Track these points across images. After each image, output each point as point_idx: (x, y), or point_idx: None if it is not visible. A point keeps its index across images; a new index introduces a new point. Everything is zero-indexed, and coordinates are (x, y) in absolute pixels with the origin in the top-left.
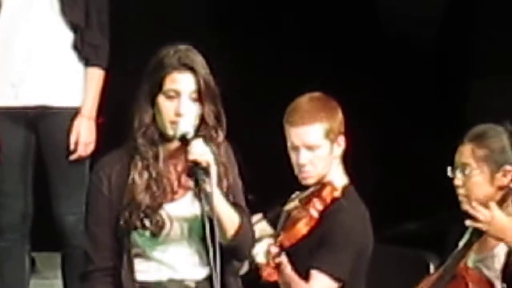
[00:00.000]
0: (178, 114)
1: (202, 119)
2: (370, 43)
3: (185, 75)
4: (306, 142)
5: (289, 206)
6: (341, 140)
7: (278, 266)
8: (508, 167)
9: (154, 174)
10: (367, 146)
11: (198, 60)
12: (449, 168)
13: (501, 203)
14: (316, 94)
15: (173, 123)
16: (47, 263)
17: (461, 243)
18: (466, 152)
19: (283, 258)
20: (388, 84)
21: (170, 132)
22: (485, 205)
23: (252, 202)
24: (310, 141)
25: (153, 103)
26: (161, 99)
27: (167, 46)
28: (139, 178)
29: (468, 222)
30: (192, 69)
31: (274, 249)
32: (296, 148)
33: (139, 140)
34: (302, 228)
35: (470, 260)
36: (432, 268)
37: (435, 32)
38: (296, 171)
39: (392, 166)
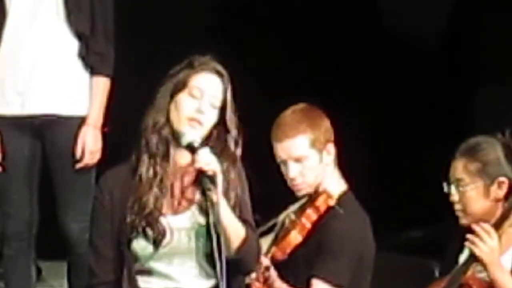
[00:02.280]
0: (199, 111)
1: (223, 130)
2: (374, 50)
3: (213, 77)
4: (292, 155)
5: (282, 216)
6: (330, 147)
7: (266, 281)
8: (502, 179)
9: (159, 173)
10: (370, 153)
11: (225, 72)
12: (444, 184)
13: (499, 224)
14: (299, 105)
15: (191, 120)
16: (52, 271)
17: (465, 252)
18: (459, 167)
19: (272, 272)
20: (392, 92)
21: (183, 128)
22: (482, 219)
23: (259, 223)
24: (296, 154)
25: (170, 102)
26: (183, 96)
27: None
28: (145, 174)
29: (467, 243)
30: (221, 75)
31: (266, 261)
32: (284, 162)
33: (152, 137)
34: (294, 239)
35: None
36: (437, 275)
37: (440, 40)
38: (288, 184)
39: (395, 173)
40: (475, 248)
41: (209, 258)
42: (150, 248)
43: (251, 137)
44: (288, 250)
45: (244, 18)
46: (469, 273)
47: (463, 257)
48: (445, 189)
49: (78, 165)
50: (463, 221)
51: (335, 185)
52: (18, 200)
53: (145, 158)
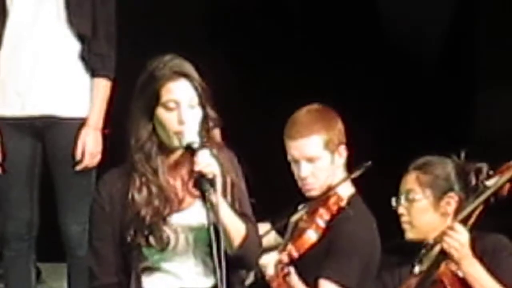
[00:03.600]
0: (181, 122)
1: (206, 121)
2: (374, 54)
3: (180, 83)
4: (305, 154)
5: (296, 217)
6: (342, 149)
7: (285, 277)
8: (451, 194)
9: (154, 190)
10: (371, 156)
11: (188, 66)
12: (393, 199)
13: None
14: (314, 106)
15: (178, 133)
16: (52, 273)
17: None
18: (410, 179)
19: (291, 269)
20: (392, 94)
21: (176, 143)
22: (428, 233)
23: (259, 209)
24: (309, 153)
25: (151, 116)
26: (160, 112)
27: (152, 59)
28: (138, 195)
29: (444, 245)
30: (186, 76)
31: (285, 258)
32: (296, 161)
33: (136, 156)
34: (309, 237)
35: None
36: None
37: (440, 42)
38: (299, 184)
39: (398, 176)
40: (444, 243)
41: (213, 256)
42: (155, 250)
43: (258, 140)
44: (304, 249)
45: (245, 22)
46: (442, 268)
47: (433, 253)
48: (393, 203)
49: (78, 167)
50: (409, 234)
51: (344, 187)
52: (19, 202)
53: (135, 177)
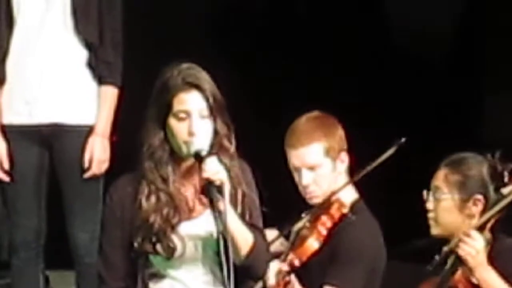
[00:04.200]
0: (191, 134)
1: (215, 133)
2: (380, 59)
3: (192, 94)
4: (306, 162)
5: (298, 225)
6: (344, 156)
7: (287, 286)
8: (478, 196)
9: (163, 197)
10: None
11: (202, 76)
12: (425, 192)
13: (483, 226)
14: (313, 113)
15: (187, 142)
16: (61, 281)
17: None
18: (439, 176)
19: (292, 277)
20: (401, 99)
21: (184, 151)
22: (453, 232)
23: (268, 217)
24: (310, 161)
25: (164, 125)
26: (172, 121)
27: (169, 66)
28: (146, 202)
29: (460, 251)
30: (197, 87)
31: (285, 267)
32: (297, 169)
33: (146, 163)
34: (311, 245)
35: None
36: None
37: (449, 46)
38: (301, 192)
39: (404, 182)
40: (459, 250)
41: (221, 265)
42: (163, 257)
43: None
44: (305, 257)
45: (245, 27)
46: (458, 275)
47: (450, 259)
48: (424, 195)
49: (86, 175)
50: (434, 230)
51: (347, 193)
52: (26, 210)
53: (144, 184)
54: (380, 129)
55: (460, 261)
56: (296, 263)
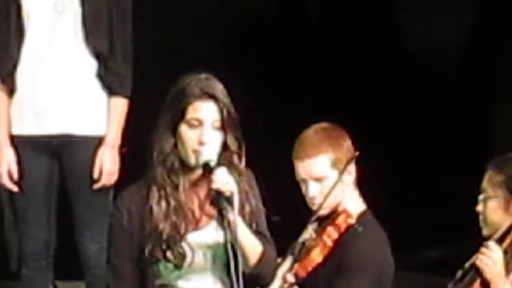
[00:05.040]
0: (201, 143)
1: (225, 147)
2: (391, 69)
3: (207, 104)
4: (313, 174)
5: (304, 236)
6: (351, 168)
7: None
8: None
9: (173, 204)
10: (388, 173)
11: (219, 88)
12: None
13: (503, 238)
14: (321, 125)
15: (196, 152)
16: None
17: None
18: (485, 178)
19: None
20: (410, 110)
21: (192, 161)
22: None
23: (277, 225)
24: (316, 173)
25: (175, 132)
26: (183, 128)
27: (187, 75)
28: (156, 207)
29: (478, 263)
30: (214, 98)
31: (290, 278)
32: (304, 181)
33: (158, 169)
34: (316, 257)
35: None
36: None
37: (459, 59)
38: (308, 203)
39: (414, 193)
40: (477, 261)
41: (230, 274)
42: (171, 267)
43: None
44: (310, 268)
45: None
46: (475, 286)
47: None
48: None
49: (96, 186)
50: (484, 232)
51: (354, 204)
52: (36, 220)
53: (154, 190)
54: (392, 143)
55: (477, 273)
56: (301, 274)
